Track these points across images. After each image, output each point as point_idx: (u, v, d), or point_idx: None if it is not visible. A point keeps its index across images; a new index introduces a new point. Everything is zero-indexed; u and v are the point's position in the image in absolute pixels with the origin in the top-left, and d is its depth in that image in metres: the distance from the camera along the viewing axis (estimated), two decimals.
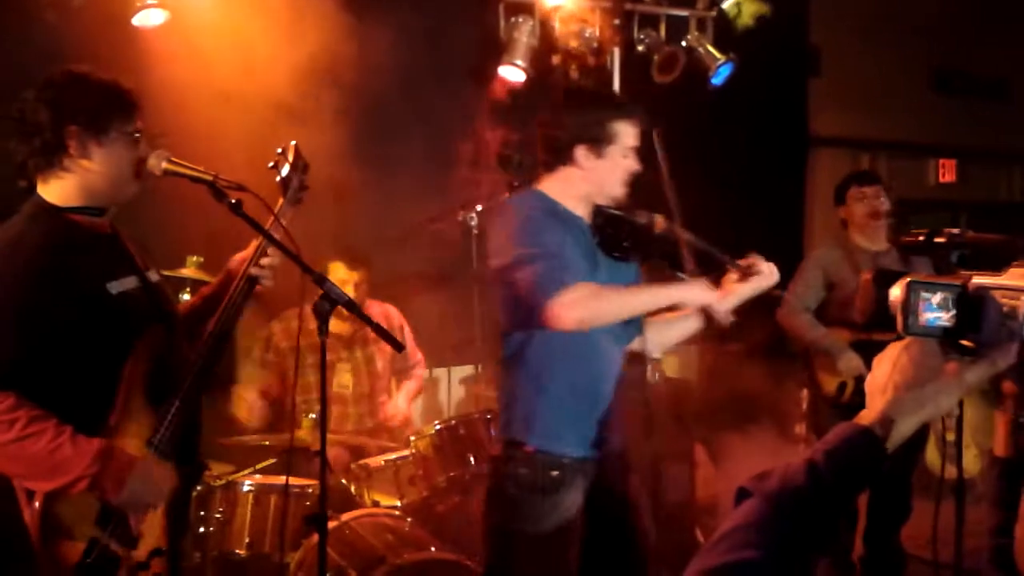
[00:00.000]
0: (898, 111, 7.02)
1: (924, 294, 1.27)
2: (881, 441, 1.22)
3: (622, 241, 2.72)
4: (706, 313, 2.74)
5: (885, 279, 1.33)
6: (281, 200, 2.63)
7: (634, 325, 2.83)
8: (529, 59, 4.96)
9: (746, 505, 1.20)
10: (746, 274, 2.69)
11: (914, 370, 1.26)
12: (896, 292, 1.31)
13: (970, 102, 7.66)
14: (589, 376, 2.70)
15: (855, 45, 6.76)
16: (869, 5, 6.66)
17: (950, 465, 5.59)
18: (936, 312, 1.27)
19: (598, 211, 2.76)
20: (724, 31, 5.26)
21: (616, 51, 5.28)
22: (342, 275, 4.11)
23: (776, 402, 4.69)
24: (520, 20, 4.98)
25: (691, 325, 2.86)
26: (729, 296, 2.70)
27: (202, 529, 3.36)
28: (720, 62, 5.11)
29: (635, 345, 2.90)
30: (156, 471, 2.29)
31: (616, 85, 5.33)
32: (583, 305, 2.50)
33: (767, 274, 2.69)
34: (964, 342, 1.27)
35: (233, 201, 2.36)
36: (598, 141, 2.69)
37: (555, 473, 2.64)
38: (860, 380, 4.02)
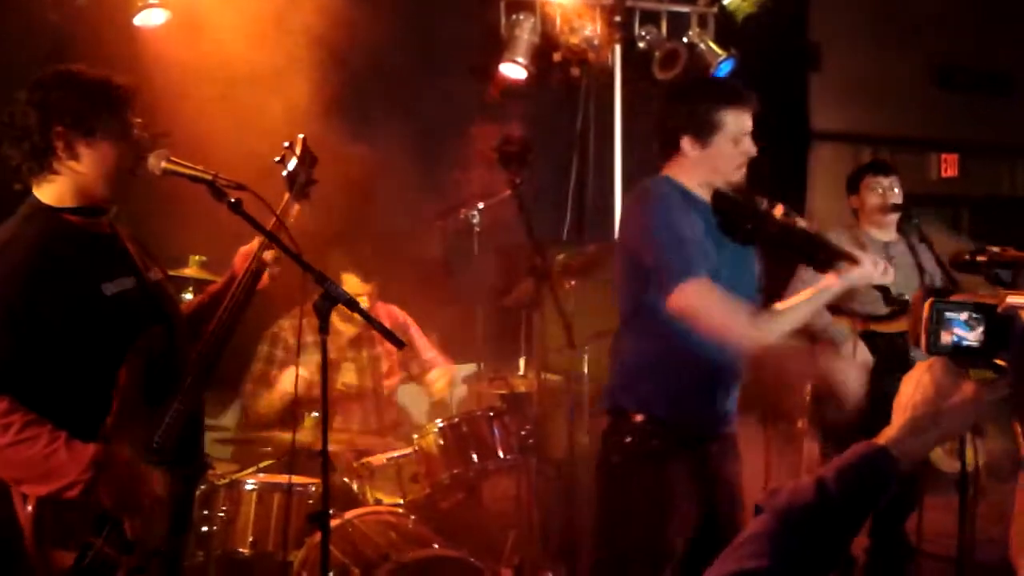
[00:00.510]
0: (899, 106, 6.99)
1: (948, 314, 1.28)
2: (896, 461, 1.23)
3: (744, 225, 2.73)
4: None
5: (926, 296, 1.33)
6: (287, 195, 2.63)
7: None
8: (530, 56, 4.96)
9: (759, 518, 1.22)
10: (853, 263, 2.66)
11: (935, 389, 1.27)
12: (924, 311, 1.31)
13: (972, 97, 7.62)
14: (707, 357, 2.68)
15: (856, 40, 6.73)
16: (869, 0, 6.65)
17: (955, 460, 5.59)
18: (963, 332, 1.28)
19: (718, 195, 2.77)
20: (725, 27, 5.25)
21: (617, 48, 5.29)
22: (356, 288, 4.12)
23: (778, 395, 4.67)
24: (521, 17, 4.99)
25: (807, 307, 2.72)
26: (837, 281, 2.66)
27: (205, 528, 3.36)
28: (721, 58, 5.11)
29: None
30: (152, 475, 2.28)
31: (617, 82, 5.34)
32: (699, 297, 2.53)
33: (871, 266, 2.66)
34: (995, 361, 1.28)
35: (233, 200, 2.36)
36: (702, 130, 2.73)
37: (657, 442, 2.67)
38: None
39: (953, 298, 1.29)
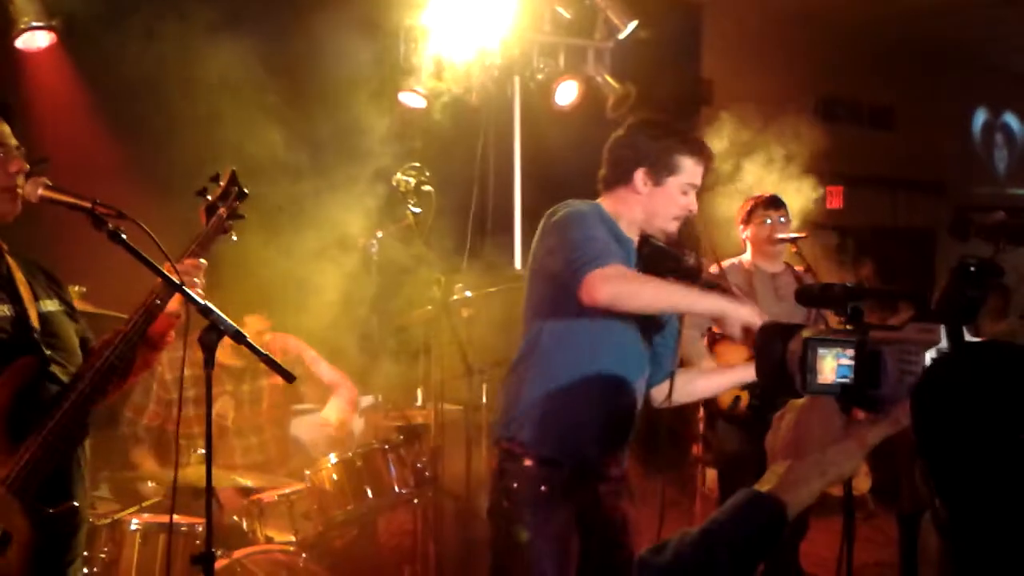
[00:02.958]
0: (787, 139, 7.26)
1: (821, 350, 1.22)
2: (783, 510, 1.17)
3: (664, 276, 2.64)
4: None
5: (777, 332, 1.28)
6: (204, 228, 2.55)
7: (664, 368, 2.80)
8: (429, 86, 4.97)
9: None
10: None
11: (816, 432, 1.22)
12: (793, 348, 1.25)
13: (856, 130, 7.98)
14: (601, 395, 2.64)
15: (745, 76, 6.98)
16: (758, 38, 6.91)
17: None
18: (834, 367, 1.22)
19: (646, 241, 2.71)
20: (621, 62, 5.37)
21: (516, 79, 5.34)
22: (259, 326, 4.05)
23: (672, 422, 4.73)
24: (420, 47, 4.99)
25: (726, 381, 2.82)
26: (715, 303, 2.60)
27: (86, 570, 3.19)
28: (618, 91, 5.22)
29: (658, 392, 2.83)
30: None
31: (516, 112, 5.39)
32: (621, 281, 2.47)
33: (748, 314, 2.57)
34: (865, 399, 1.22)
35: (112, 229, 2.27)
36: (659, 168, 2.68)
37: (545, 487, 2.60)
38: (753, 390, 4.07)
39: (823, 334, 1.24)
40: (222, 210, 2.55)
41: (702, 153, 2.74)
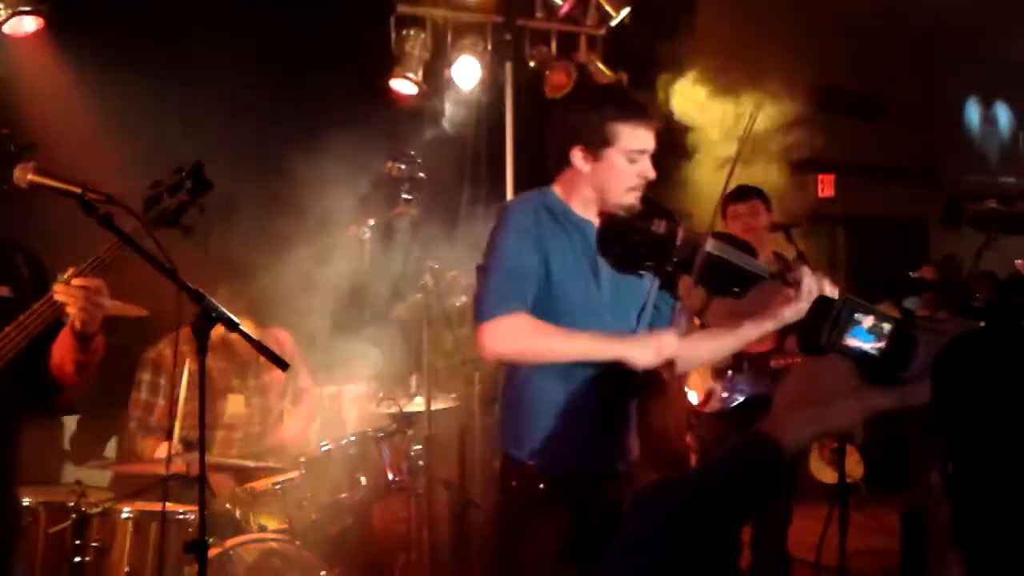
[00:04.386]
0: (779, 128, 7.26)
1: (857, 315, 1.21)
2: (781, 450, 1.18)
3: (632, 255, 2.52)
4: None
5: (825, 304, 1.25)
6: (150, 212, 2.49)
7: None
8: (421, 72, 4.94)
9: (641, 517, 1.16)
10: (794, 287, 2.44)
11: (825, 385, 1.23)
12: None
13: (848, 119, 7.98)
14: (581, 394, 2.53)
15: (738, 64, 6.96)
16: (751, 24, 6.88)
17: (832, 471, 5.79)
18: (864, 335, 1.21)
19: (607, 221, 2.55)
20: (614, 49, 5.35)
21: (508, 66, 5.32)
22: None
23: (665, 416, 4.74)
24: (411, 33, 4.96)
25: (729, 344, 2.66)
26: (765, 321, 2.50)
27: (78, 559, 3.20)
28: (610, 79, 5.19)
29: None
30: None
31: (508, 99, 5.36)
32: (508, 341, 2.42)
33: (811, 290, 2.41)
34: (887, 374, 1.22)
35: (102, 214, 2.25)
36: (594, 142, 2.50)
37: (544, 486, 2.52)
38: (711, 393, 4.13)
39: (863, 300, 1.25)
40: (168, 203, 2.43)
41: (638, 115, 2.52)
